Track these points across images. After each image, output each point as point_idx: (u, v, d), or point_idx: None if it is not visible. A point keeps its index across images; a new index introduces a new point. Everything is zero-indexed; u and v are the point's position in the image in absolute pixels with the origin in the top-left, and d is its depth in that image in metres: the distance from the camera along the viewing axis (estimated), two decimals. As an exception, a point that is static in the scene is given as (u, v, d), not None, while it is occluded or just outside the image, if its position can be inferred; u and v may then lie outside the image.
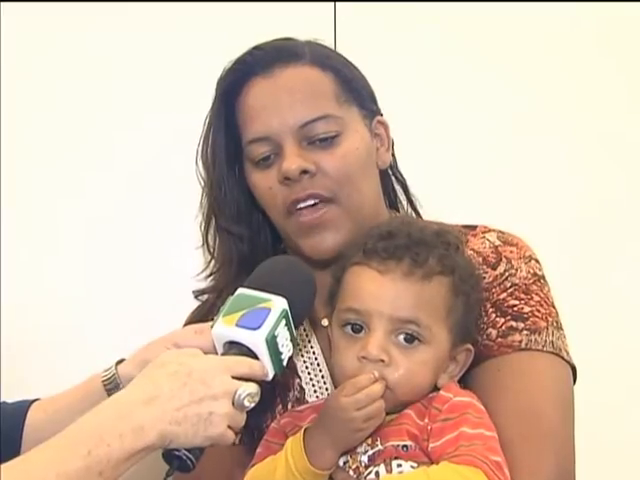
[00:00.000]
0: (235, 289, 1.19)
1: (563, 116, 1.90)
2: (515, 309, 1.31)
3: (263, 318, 1.13)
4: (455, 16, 1.88)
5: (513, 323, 1.30)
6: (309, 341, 1.42)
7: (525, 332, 1.29)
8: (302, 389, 1.39)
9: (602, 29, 1.92)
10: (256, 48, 1.42)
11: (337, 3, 1.86)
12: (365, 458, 1.18)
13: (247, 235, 1.46)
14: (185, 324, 1.44)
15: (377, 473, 1.17)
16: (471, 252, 1.35)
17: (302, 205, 1.35)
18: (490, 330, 1.30)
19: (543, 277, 1.36)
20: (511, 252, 1.36)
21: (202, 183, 1.49)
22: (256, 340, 1.12)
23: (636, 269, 1.92)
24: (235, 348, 1.13)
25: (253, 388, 1.09)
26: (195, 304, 1.51)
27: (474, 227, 1.42)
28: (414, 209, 1.54)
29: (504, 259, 1.35)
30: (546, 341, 1.29)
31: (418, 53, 1.88)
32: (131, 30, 1.81)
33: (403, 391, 1.19)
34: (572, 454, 1.27)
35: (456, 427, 1.15)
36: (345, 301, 1.24)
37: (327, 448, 1.16)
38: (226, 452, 1.28)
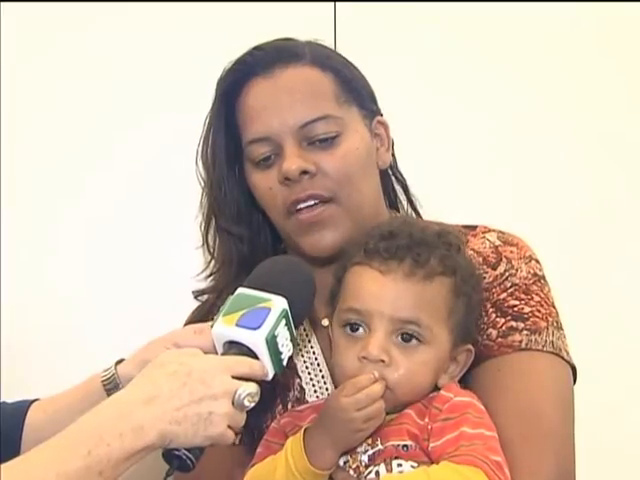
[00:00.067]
0: (235, 289, 1.19)
1: (563, 116, 1.90)
2: (515, 309, 1.31)
3: (263, 318, 1.13)
4: (455, 16, 1.88)
5: (513, 323, 1.30)
6: (309, 341, 1.42)
7: (525, 332, 1.29)
8: (302, 389, 1.39)
9: (602, 29, 1.92)
10: (256, 48, 1.42)
11: (337, 3, 1.86)
12: (365, 458, 1.18)
13: (247, 235, 1.46)
14: (185, 324, 1.44)
15: (377, 473, 1.17)
16: (471, 252, 1.35)
17: (302, 205, 1.35)
18: (490, 330, 1.31)
19: (543, 277, 1.36)
20: (511, 252, 1.36)
21: (202, 183, 1.49)
22: (256, 340, 1.12)
23: (636, 269, 1.92)
24: (235, 348, 1.13)
25: (253, 388, 1.09)
26: (195, 304, 1.51)
27: (474, 227, 1.42)
28: (414, 209, 1.54)
29: (504, 259, 1.35)
30: (546, 341, 1.29)
31: (418, 53, 1.88)
32: (131, 30, 1.81)
33: (403, 391, 1.19)
34: (572, 454, 1.27)
35: (456, 427, 1.15)
36: (346, 301, 1.24)
37: (327, 448, 1.16)
38: (226, 452, 1.28)
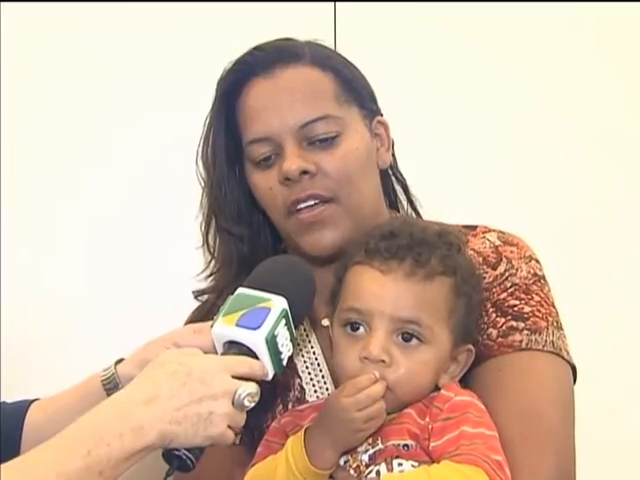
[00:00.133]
0: (235, 289, 1.19)
1: (563, 116, 1.90)
2: (515, 309, 1.31)
3: (263, 318, 1.13)
4: (455, 16, 1.88)
5: (513, 323, 1.30)
6: (309, 341, 1.42)
7: (525, 332, 1.29)
8: (302, 389, 1.39)
9: (602, 29, 1.92)
10: (256, 48, 1.42)
11: (337, 3, 1.86)
12: (366, 457, 1.18)
13: (247, 235, 1.46)
14: (185, 324, 1.44)
15: (378, 472, 1.17)
16: (471, 252, 1.35)
17: (302, 205, 1.35)
18: (490, 330, 1.31)
19: (543, 277, 1.36)
20: (511, 252, 1.36)
21: (202, 183, 1.49)
22: (256, 340, 1.12)
23: (636, 269, 1.92)
24: (235, 348, 1.13)
25: (253, 388, 1.09)
26: (195, 304, 1.51)
27: (474, 227, 1.42)
28: (414, 209, 1.54)
29: (504, 259, 1.35)
30: (546, 341, 1.29)
31: (418, 53, 1.88)
32: (131, 30, 1.81)
33: (404, 391, 1.19)
34: (572, 454, 1.27)
35: (457, 426, 1.16)
36: (347, 300, 1.24)
37: (327, 448, 1.17)
38: (226, 452, 1.27)
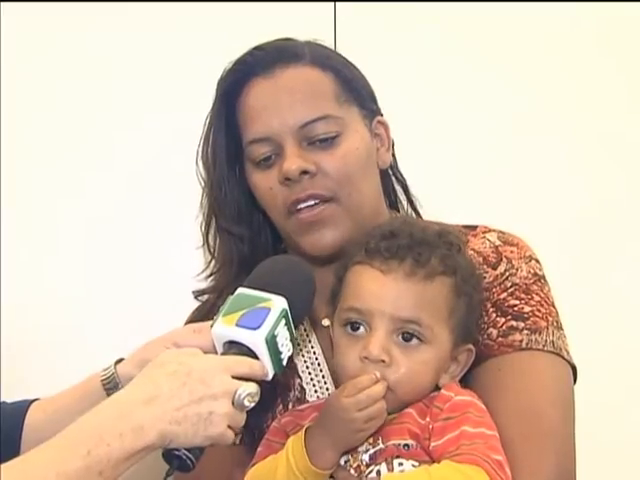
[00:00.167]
0: (235, 289, 1.19)
1: (563, 116, 1.90)
2: (515, 309, 1.31)
3: (263, 318, 1.13)
4: (455, 16, 1.88)
5: (514, 323, 1.30)
6: (310, 341, 1.42)
7: (526, 332, 1.29)
8: (303, 389, 1.39)
9: (602, 29, 1.92)
10: (256, 48, 1.42)
11: (337, 3, 1.86)
12: (366, 457, 1.18)
13: (247, 235, 1.46)
14: (185, 324, 1.44)
15: (378, 472, 1.17)
16: (472, 252, 1.35)
17: (302, 205, 1.35)
18: (491, 330, 1.31)
19: (543, 277, 1.36)
20: (511, 252, 1.36)
21: (202, 183, 1.49)
22: (256, 340, 1.12)
23: (636, 269, 1.92)
24: (235, 348, 1.13)
25: (253, 388, 1.09)
26: (195, 304, 1.51)
27: (474, 227, 1.42)
28: (414, 209, 1.54)
29: (504, 259, 1.35)
30: (546, 341, 1.29)
31: (418, 53, 1.88)
32: (131, 30, 1.81)
33: (404, 391, 1.19)
34: (572, 453, 1.27)
35: (457, 426, 1.16)
36: (347, 300, 1.24)
37: (328, 448, 1.17)
38: (226, 452, 1.27)
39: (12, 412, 1.25)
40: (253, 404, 1.09)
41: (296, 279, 1.23)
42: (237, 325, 1.13)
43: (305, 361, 1.41)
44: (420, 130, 1.83)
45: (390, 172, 1.52)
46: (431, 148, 1.86)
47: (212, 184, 1.46)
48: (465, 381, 1.27)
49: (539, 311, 1.31)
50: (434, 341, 1.21)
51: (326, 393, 1.38)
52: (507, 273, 1.34)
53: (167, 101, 1.80)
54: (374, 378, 1.17)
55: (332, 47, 1.54)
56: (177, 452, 1.05)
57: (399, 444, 1.17)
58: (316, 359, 1.41)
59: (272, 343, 1.13)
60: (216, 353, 1.15)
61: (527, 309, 1.31)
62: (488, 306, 1.32)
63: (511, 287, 1.33)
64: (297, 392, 1.39)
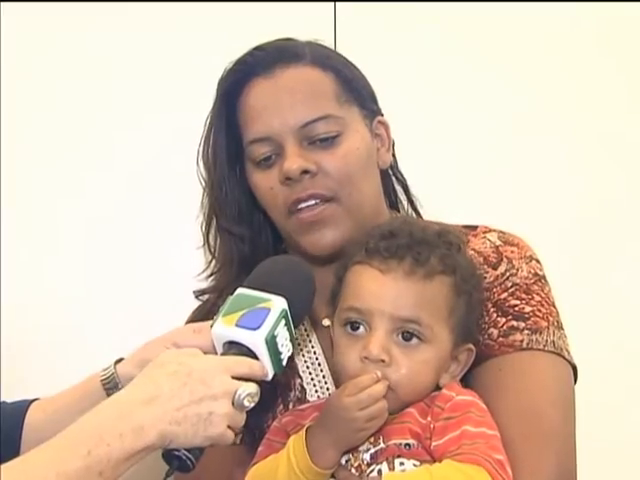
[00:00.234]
0: (235, 289, 1.19)
1: (563, 116, 1.90)
2: (516, 309, 1.31)
3: (263, 318, 1.13)
4: (455, 16, 1.88)
5: (514, 323, 1.30)
6: (310, 341, 1.42)
7: (526, 332, 1.29)
8: (303, 389, 1.39)
9: (602, 29, 1.92)
10: (257, 49, 1.42)
11: (337, 3, 1.86)
12: (367, 456, 1.18)
13: (248, 235, 1.46)
14: (186, 324, 1.44)
15: (380, 471, 1.17)
16: (472, 252, 1.35)
17: (303, 205, 1.36)
18: (491, 330, 1.31)
19: (544, 277, 1.36)
20: (512, 252, 1.36)
21: (203, 183, 1.49)
22: (256, 340, 1.12)
23: (636, 269, 1.92)
24: (235, 348, 1.13)
25: (253, 388, 1.09)
26: (195, 304, 1.51)
27: (475, 227, 1.42)
28: (414, 209, 1.54)
29: (505, 259, 1.35)
30: (547, 341, 1.29)
31: (418, 53, 1.88)
32: (131, 30, 1.81)
33: (405, 391, 1.19)
34: (573, 453, 1.27)
35: (459, 425, 1.16)
36: (347, 300, 1.24)
37: (329, 447, 1.17)
38: (227, 452, 1.27)
39: (12, 412, 1.25)
40: (253, 404, 1.09)
41: (296, 279, 1.23)
42: (237, 325, 1.13)
43: (306, 361, 1.41)
44: (420, 130, 1.83)
45: (390, 172, 1.52)
46: (431, 148, 1.86)
47: (213, 184, 1.46)
48: (466, 381, 1.27)
49: (540, 311, 1.31)
50: (434, 340, 1.21)
51: (327, 393, 1.38)
52: (508, 273, 1.34)
53: (167, 101, 1.80)
54: (375, 377, 1.17)
55: (332, 47, 1.54)
56: (177, 452, 1.05)
57: (400, 443, 1.17)
58: (316, 359, 1.41)
59: (272, 343, 1.13)
60: (216, 353, 1.15)
61: (528, 309, 1.31)
62: (489, 306, 1.32)
63: (512, 287, 1.33)
64: (298, 392, 1.39)
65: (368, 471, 1.18)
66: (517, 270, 1.34)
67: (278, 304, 1.15)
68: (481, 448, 1.13)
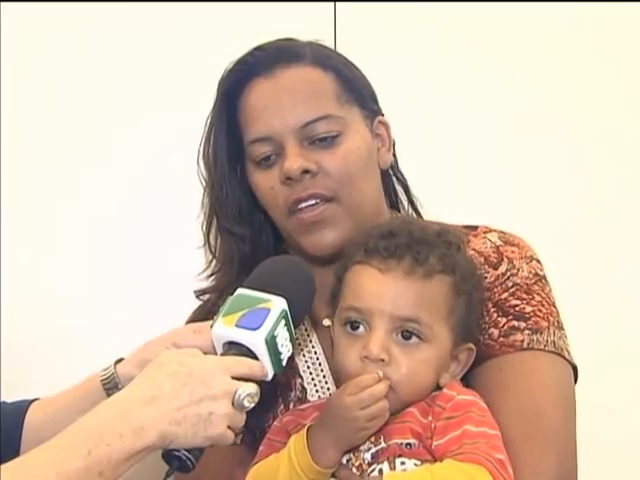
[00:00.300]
0: (236, 289, 1.19)
1: (563, 116, 1.90)
2: (517, 309, 1.31)
3: (262, 318, 1.13)
4: (455, 16, 1.88)
5: (515, 323, 1.30)
6: (310, 341, 1.42)
7: (527, 332, 1.29)
8: (304, 389, 1.39)
9: (602, 29, 1.92)
10: (257, 49, 1.42)
11: (337, 3, 1.86)
12: (368, 456, 1.18)
13: (249, 235, 1.46)
14: (186, 324, 1.44)
15: (381, 471, 1.17)
16: (472, 252, 1.35)
17: (304, 205, 1.36)
18: (492, 330, 1.31)
19: (544, 277, 1.37)
20: (512, 252, 1.36)
21: (203, 183, 1.49)
22: (256, 340, 1.12)
23: (636, 269, 1.92)
24: (235, 348, 1.13)
25: (253, 388, 1.09)
26: (195, 304, 1.51)
27: (475, 227, 1.42)
28: (415, 209, 1.54)
29: (505, 259, 1.35)
30: (548, 341, 1.29)
31: (418, 53, 1.88)
32: (131, 30, 1.81)
33: (406, 391, 1.19)
34: (574, 453, 1.27)
35: (460, 425, 1.16)
36: (346, 300, 1.24)
37: (330, 446, 1.17)
38: (227, 452, 1.27)
39: (12, 412, 1.25)
40: (253, 404, 1.09)
41: (296, 279, 1.23)
42: (237, 326, 1.13)
43: (306, 361, 1.41)
44: (420, 130, 1.83)
45: (391, 172, 1.52)
46: (431, 148, 1.86)
47: (213, 184, 1.46)
48: (466, 381, 1.27)
49: (540, 311, 1.32)
50: (434, 339, 1.21)
51: (327, 393, 1.38)
52: (508, 273, 1.34)
53: (167, 101, 1.80)
54: (376, 377, 1.17)
55: (332, 47, 1.54)
56: (177, 453, 1.05)
57: (401, 443, 1.17)
58: (317, 359, 1.41)
59: (272, 344, 1.13)
60: (216, 353, 1.15)
61: (528, 309, 1.31)
62: (489, 306, 1.32)
63: (512, 287, 1.33)
64: (298, 392, 1.39)
65: (369, 470, 1.18)
66: (518, 270, 1.34)
67: (278, 304, 1.15)
68: (482, 448, 1.14)
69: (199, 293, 1.51)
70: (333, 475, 1.18)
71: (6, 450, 1.15)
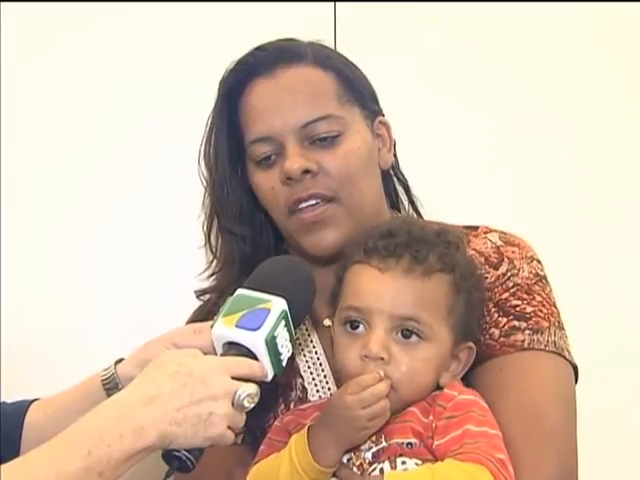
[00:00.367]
0: (236, 289, 1.19)
1: (563, 116, 1.91)
2: (517, 309, 1.31)
3: (262, 319, 1.13)
4: (455, 16, 1.88)
5: (515, 323, 1.30)
6: (311, 341, 1.42)
7: (527, 332, 1.29)
8: (304, 389, 1.39)
9: (602, 29, 1.92)
10: (258, 49, 1.42)
11: (337, 3, 1.86)
12: (369, 455, 1.18)
13: (249, 235, 1.46)
14: (187, 324, 1.44)
15: (381, 470, 1.17)
16: (473, 252, 1.35)
17: (304, 205, 1.36)
18: (493, 330, 1.31)
19: (545, 277, 1.37)
20: (513, 252, 1.36)
21: (204, 183, 1.49)
22: (256, 341, 1.12)
23: (636, 269, 1.92)
24: (235, 349, 1.13)
25: (253, 389, 1.09)
26: (196, 304, 1.51)
27: (475, 227, 1.42)
28: (415, 209, 1.54)
29: (506, 259, 1.35)
30: (548, 341, 1.30)
31: (418, 53, 1.88)
32: (131, 30, 1.81)
33: (406, 390, 1.19)
34: (574, 453, 1.27)
35: (460, 425, 1.16)
36: (346, 299, 1.24)
37: (331, 446, 1.17)
38: (228, 451, 1.27)
39: (12, 412, 1.25)
40: (253, 405, 1.09)
41: (296, 280, 1.23)
42: (237, 326, 1.13)
43: (307, 361, 1.41)
44: (420, 130, 1.83)
45: (392, 172, 1.52)
46: (431, 148, 1.86)
47: (214, 184, 1.46)
48: (467, 381, 1.27)
49: (541, 311, 1.32)
50: (434, 338, 1.21)
51: (328, 393, 1.38)
52: (509, 273, 1.34)
53: (167, 101, 1.80)
54: (378, 376, 1.17)
55: (332, 47, 1.54)
56: (177, 453, 1.05)
57: (402, 442, 1.17)
58: (318, 359, 1.41)
59: (272, 344, 1.13)
60: (216, 354, 1.15)
61: (529, 309, 1.31)
62: (490, 306, 1.32)
63: (513, 287, 1.33)
64: (299, 392, 1.40)
65: (370, 470, 1.18)
66: (518, 270, 1.34)
67: (278, 305, 1.15)
68: (483, 447, 1.14)
69: (199, 293, 1.51)
70: (334, 474, 1.18)
71: (6, 450, 1.15)
